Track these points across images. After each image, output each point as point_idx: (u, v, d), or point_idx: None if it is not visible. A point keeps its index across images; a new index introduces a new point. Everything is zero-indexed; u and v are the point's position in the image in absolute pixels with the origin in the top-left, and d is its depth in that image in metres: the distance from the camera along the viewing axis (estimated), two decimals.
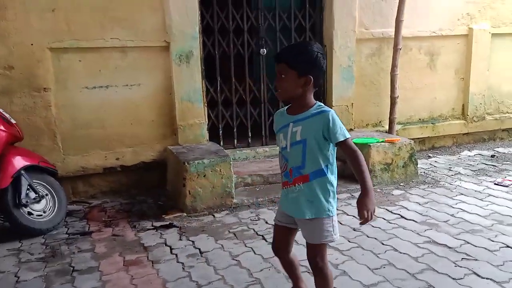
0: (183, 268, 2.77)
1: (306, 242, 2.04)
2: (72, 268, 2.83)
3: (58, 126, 4.05)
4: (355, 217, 3.29)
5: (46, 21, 3.87)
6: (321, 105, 1.97)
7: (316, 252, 2.02)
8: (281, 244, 2.17)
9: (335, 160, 1.99)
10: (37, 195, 3.40)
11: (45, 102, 3.97)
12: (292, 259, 2.21)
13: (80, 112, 4.12)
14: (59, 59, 3.99)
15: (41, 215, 3.42)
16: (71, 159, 4.13)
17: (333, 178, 1.98)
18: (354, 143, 2.00)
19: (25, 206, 3.31)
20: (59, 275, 2.76)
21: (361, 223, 1.90)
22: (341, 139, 1.89)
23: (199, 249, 3.05)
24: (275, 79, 1.99)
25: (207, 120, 4.58)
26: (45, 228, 3.39)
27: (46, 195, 3.51)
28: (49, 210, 3.49)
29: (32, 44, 3.86)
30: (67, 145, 4.10)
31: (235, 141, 4.75)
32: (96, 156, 4.21)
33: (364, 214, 1.85)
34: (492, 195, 3.89)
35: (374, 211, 1.87)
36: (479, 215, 3.45)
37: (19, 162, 3.32)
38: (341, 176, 2.70)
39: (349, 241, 3.05)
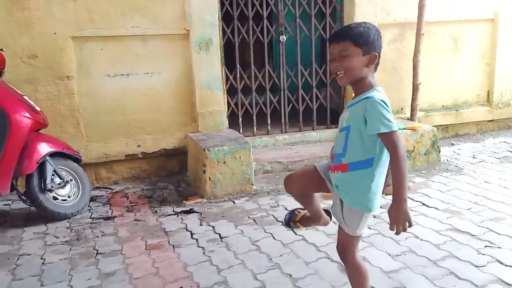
0: (204, 253, 2.81)
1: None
2: (96, 251, 2.91)
3: (81, 113, 4.13)
4: None
5: (68, 10, 3.93)
6: (374, 90, 1.74)
7: (343, 237, 1.92)
8: (300, 179, 2.02)
9: (384, 153, 1.74)
10: (62, 180, 3.49)
11: (69, 90, 4.05)
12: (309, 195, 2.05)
13: (102, 100, 4.18)
14: (81, 47, 4.06)
15: (66, 200, 3.50)
16: (94, 145, 4.21)
17: (378, 172, 1.76)
18: None
19: (50, 191, 3.40)
20: (83, 257, 2.83)
21: (395, 234, 1.69)
22: (374, 132, 1.66)
23: (219, 234, 3.08)
24: (332, 62, 1.76)
25: (226, 108, 4.59)
26: (69, 212, 3.48)
27: (71, 180, 3.59)
28: (73, 195, 3.57)
29: (55, 33, 3.93)
30: (90, 132, 4.18)
31: (255, 128, 4.75)
32: (118, 143, 4.28)
33: (394, 228, 1.66)
34: None
35: (408, 224, 1.65)
36: (503, 202, 3.37)
37: (44, 148, 3.39)
38: None
39: (369, 228, 3.03)
